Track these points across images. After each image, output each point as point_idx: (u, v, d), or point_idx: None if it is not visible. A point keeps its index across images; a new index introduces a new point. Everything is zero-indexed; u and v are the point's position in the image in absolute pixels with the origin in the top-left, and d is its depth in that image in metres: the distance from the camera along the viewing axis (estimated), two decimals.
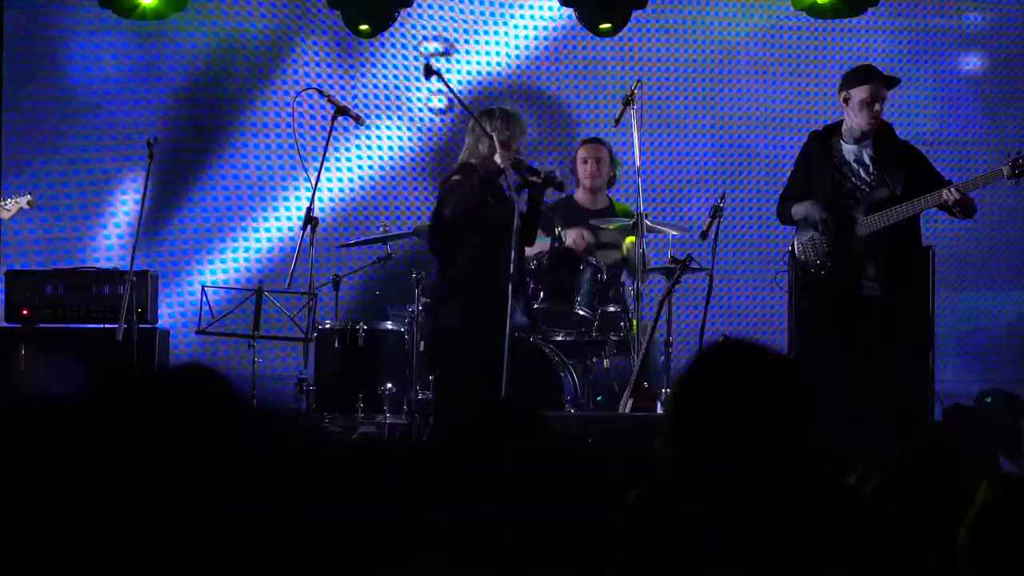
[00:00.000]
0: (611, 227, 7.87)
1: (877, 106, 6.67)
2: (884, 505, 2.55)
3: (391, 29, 9.20)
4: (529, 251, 7.36)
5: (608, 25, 9.13)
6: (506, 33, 9.31)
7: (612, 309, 7.73)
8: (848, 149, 6.76)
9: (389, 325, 7.72)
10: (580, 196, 8.25)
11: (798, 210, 6.87)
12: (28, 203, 7.76)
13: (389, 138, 9.23)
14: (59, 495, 1.69)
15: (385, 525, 2.01)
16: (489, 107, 7.37)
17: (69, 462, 1.70)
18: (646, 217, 7.46)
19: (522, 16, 9.32)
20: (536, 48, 9.33)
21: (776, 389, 2.22)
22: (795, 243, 6.93)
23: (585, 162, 8.19)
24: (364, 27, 9.07)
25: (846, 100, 6.75)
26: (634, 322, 7.48)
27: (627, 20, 9.19)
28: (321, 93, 7.83)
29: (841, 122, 6.83)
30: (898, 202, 6.61)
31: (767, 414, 2.20)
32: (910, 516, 2.49)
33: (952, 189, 6.52)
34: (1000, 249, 9.35)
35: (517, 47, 9.31)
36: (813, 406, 2.23)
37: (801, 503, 2.18)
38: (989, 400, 8.62)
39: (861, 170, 6.74)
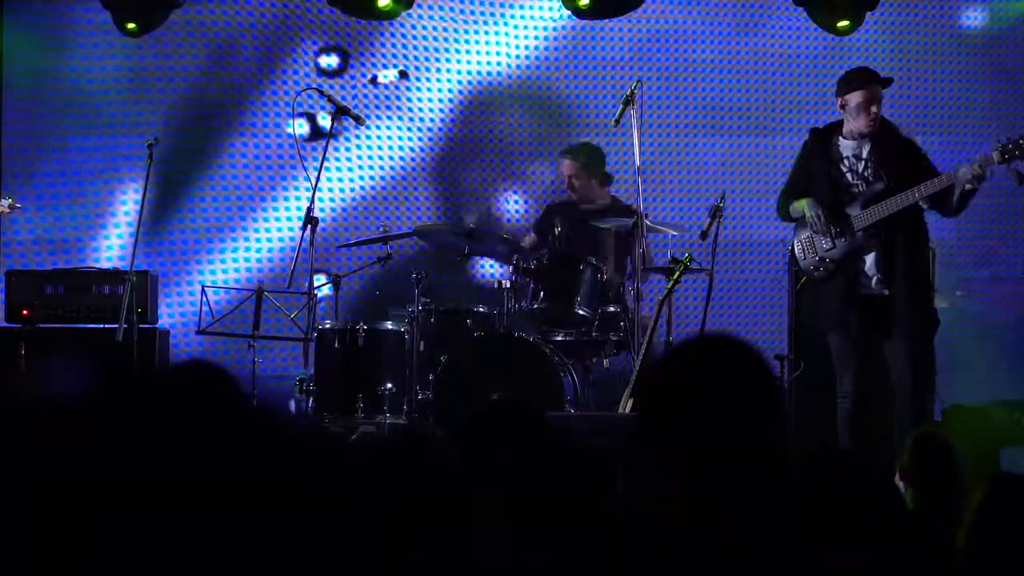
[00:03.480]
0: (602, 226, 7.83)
1: (874, 108, 6.68)
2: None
3: (391, 29, 9.20)
4: (526, 243, 7.37)
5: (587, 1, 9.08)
6: (506, 33, 9.31)
7: (612, 309, 7.73)
8: (846, 145, 6.76)
9: (389, 325, 7.72)
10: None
11: (795, 207, 6.88)
12: (9, 206, 7.75)
13: (389, 138, 9.23)
14: (60, 496, 1.69)
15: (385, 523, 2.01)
16: None
17: (73, 463, 1.70)
18: (646, 217, 7.47)
19: (522, 16, 9.32)
20: (536, 48, 9.32)
21: (737, 381, 2.22)
22: (794, 242, 6.93)
23: (567, 178, 8.30)
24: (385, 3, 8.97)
25: (843, 106, 6.77)
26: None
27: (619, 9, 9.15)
28: (321, 93, 7.83)
29: (843, 121, 6.83)
30: (894, 195, 6.60)
31: (730, 405, 2.21)
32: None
33: (974, 166, 6.45)
34: (1000, 248, 9.34)
35: (517, 47, 9.31)
36: (775, 396, 2.24)
37: (768, 492, 2.18)
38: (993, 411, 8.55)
39: (860, 165, 6.74)
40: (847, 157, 6.75)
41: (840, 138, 6.78)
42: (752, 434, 2.20)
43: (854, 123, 6.73)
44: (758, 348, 2.30)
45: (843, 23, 9.06)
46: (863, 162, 6.72)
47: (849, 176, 6.75)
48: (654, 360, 2.22)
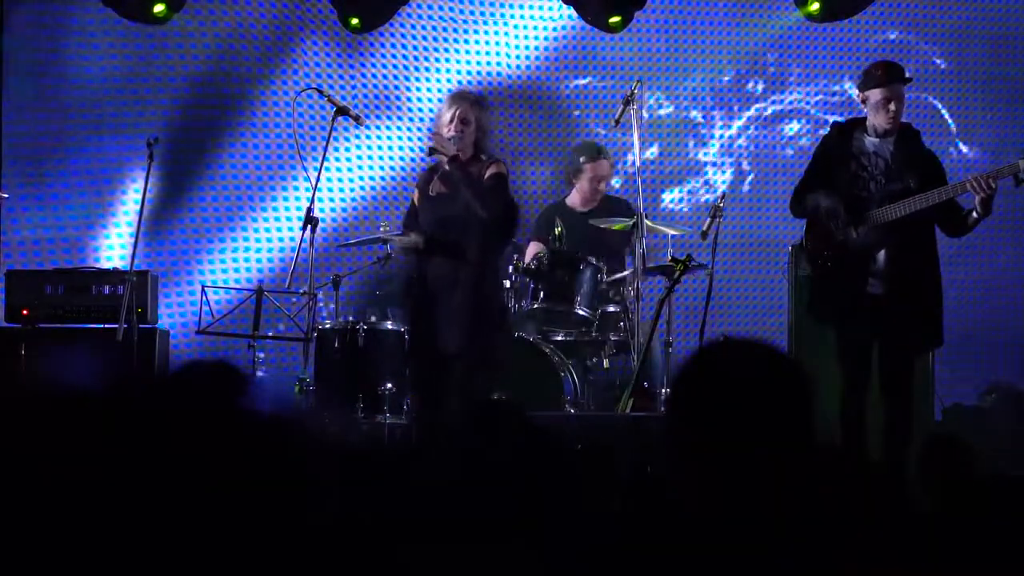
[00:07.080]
0: (616, 227, 7.79)
1: (893, 105, 6.65)
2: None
3: (391, 29, 9.20)
4: (528, 253, 7.37)
5: (618, 19, 9.07)
6: (506, 32, 9.31)
7: (612, 309, 7.73)
8: (870, 142, 6.72)
9: (389, 325, 7.72)
10: (573, 199, 8.25)
11: (810, 199, 6.80)
12: None
13: (389, 138, 9.23)
14: (70, 493, 1.68)
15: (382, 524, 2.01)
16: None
17: (80, 459, 1.70)
18: (646, 217, 7.47)
19: (523, 16, 9.32)
20: (537, 47, 9.32)
21: (774, 386, 2.22)
22: (804, 237, 6.86)
23: (598, 181, 8.19)
24: (355, 21, 9.02)
25: (864, 101, 6.75)
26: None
27: (631, 17, 9.16)
28: (321, 93, 7.83)
29: (865, 117, 6.81)
30: (912, 195, 6.58)
31: (764, 411, 2.20)
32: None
33: (981, 178, 6.46)
34: (1001, 249, 9.35)
35: (518, 46, 9.32)
36: (810, 403, 2.23)
37: (798, 502, 2.18)
38: (993, 396, 8.56)
39: (881, 163, 6.70)
40: (869, 153, 6.71)
41: (863, 134, 6.74)
42: (788, 435, 2.19)
43: (874, 119, 6.71)
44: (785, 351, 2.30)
45: (811, 9, 9.06)
46: (885, 162, 6.69)
47: (869, 172, 6.71)
48: (684, 362, 2.19)
